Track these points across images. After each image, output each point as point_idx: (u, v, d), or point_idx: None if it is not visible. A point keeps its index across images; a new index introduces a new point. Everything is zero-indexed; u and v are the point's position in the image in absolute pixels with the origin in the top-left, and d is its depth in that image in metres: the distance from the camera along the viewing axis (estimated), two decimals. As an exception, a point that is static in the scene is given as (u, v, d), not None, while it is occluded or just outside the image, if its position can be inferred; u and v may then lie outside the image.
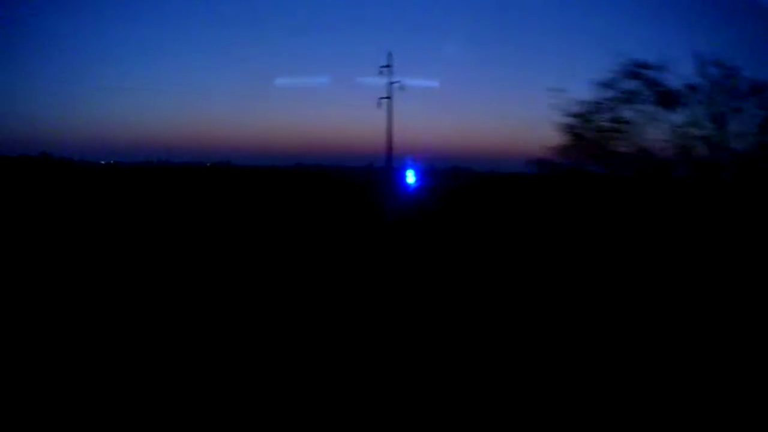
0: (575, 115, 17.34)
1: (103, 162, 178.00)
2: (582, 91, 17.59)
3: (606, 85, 16.82)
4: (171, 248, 12.37)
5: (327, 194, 37.70)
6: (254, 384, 5.16)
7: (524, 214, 22.49)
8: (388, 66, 38.99)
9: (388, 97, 39.84)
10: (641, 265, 11.09)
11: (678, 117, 16.53)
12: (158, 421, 4.35)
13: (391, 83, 39.39)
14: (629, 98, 16.69)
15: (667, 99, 16.33)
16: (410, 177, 54.89)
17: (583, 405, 4.82)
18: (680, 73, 16.29)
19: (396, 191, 42.50)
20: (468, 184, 76.66)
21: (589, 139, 17.47)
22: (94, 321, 6.83)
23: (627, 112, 16.85)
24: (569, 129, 17.54)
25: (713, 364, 5.85)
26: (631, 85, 16.63)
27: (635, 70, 16.41)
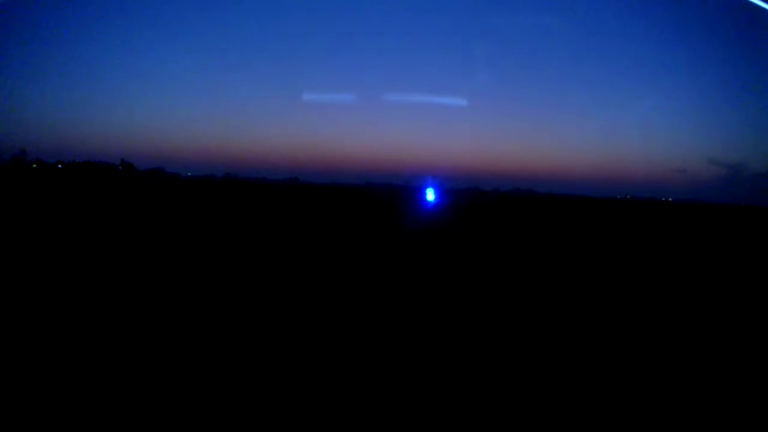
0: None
1: (189, 174, 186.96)
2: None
3: None
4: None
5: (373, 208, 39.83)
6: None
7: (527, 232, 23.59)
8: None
9: None
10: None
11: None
12: (159, 420, 4.19)
13: None
14: None
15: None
16: (430, 195, 57.15)
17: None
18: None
19: (417, 207, 44.77)
20: (483, 202, 77.44)
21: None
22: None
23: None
24: None
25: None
26: None
27: None
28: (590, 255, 16.20)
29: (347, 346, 6.10)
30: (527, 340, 6.59)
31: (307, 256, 13.11)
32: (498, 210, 50.34)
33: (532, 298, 9.16)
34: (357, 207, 41.72)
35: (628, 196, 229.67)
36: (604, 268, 13.45)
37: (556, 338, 6.74)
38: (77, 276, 9.41)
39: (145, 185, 73.81)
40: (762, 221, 51.42)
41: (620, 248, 18.77)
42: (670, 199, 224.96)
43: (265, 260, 12.13)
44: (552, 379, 5.28)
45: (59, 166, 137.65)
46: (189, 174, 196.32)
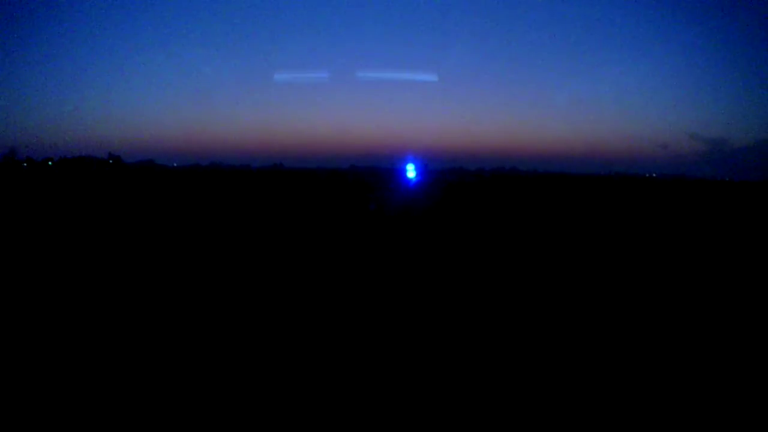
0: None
1: (176, 164, 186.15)
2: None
3: None
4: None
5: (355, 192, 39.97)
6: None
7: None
8: None
9: None
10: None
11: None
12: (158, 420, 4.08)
13: None
14: None
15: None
16: (410, 172, 53.98)
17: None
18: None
19: (397, 190, 43.82)
20: (464, 181, 77.31)
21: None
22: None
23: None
24: None
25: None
26: None
27: None
28: (581, 235, 16.00)
29: (337, 333, 6.14)
30: (513, 321, 6.62)
31: (302, 245, 13.13)
32: (483, 189, 49.93)
33: (522, 279, 9.20)
34: (343, 192, 41.51)
35: (613, 173, 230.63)
36: (595, 248, 13.27)
37: (544, 319, 6.77)
38: (80, 269, 9.60)
39: (138, 177, 73.80)
40: (746, 197, 51.71)
41: (611, 228, 18.53)
42: (654, 175, 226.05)
43: (262, 249, 12.21)
44: (540, 362, 5.27)
45: (49, 163, 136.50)
46: (175, 164, 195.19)
